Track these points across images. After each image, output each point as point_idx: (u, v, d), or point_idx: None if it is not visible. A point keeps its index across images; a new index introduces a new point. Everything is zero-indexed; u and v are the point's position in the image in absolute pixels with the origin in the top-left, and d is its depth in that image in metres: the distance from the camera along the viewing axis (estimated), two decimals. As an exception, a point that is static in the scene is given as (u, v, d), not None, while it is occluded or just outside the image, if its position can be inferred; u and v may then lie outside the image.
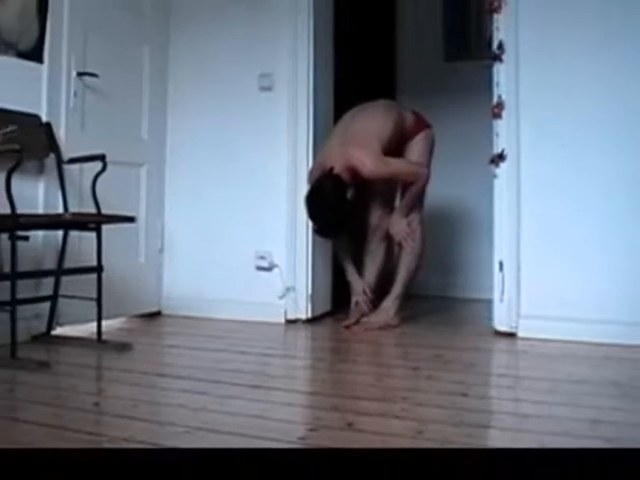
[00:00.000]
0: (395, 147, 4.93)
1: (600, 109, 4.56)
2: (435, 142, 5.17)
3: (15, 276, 3.76)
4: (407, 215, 5.02)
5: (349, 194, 4.75)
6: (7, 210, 3.73)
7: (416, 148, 5.07)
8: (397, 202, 5.18)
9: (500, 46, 4.75)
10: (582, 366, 3.95)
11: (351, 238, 5.25)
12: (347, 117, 5.09)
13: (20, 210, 3.81)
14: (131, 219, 4.50)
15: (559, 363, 4.02)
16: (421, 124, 5.13)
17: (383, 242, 5.25)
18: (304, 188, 5.06)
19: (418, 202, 5.08)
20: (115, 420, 2.92)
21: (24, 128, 4.28)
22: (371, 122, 4.91)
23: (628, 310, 4.40)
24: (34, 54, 4.51)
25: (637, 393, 3.37)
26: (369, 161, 4.73)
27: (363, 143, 4.77)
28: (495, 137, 4.78)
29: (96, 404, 3.21)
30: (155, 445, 2.58)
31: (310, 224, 5.08)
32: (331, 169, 4.77)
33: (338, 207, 4.74)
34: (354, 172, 4.78)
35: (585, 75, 4.59)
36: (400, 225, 5.01)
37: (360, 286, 5.24)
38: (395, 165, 4.89)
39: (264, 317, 5.27)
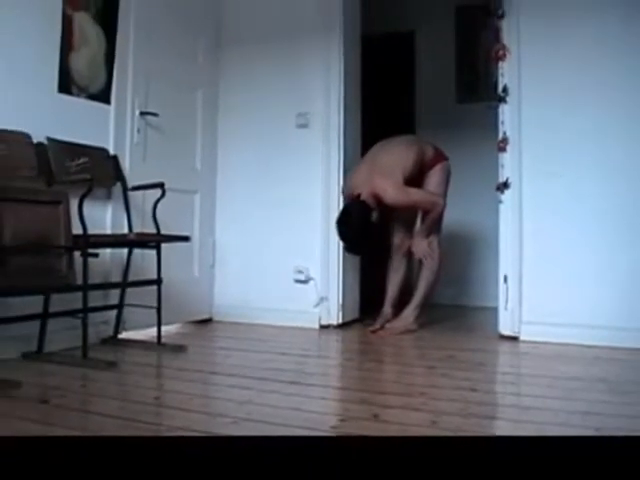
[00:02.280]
0: (416, 177, 4.94)
1: (592, 144, 4.56)
2: (451, 173, 5.17)
3: (86, 288, 3.80)
4: (427, 237, 5.02)
5: (374, 216, 4.78)
6: (80, 231, 3.78)
7: (434, 179, 5.05)
8: (417, 225, 5.18)
9: (505, 89, 4.76)
10: (575, 365, 3.94)
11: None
12: (375, 149, 5.11)
13: (91, 230, 3.86)
14: (186, 238, 4.53)
15: (556, 363, 4.01)
16: (439, 157, 5.11)
17: (404, 259, 5.26)
18: (336, 212, 5.06)
19: (436, 226, 5.07)
20: (172, 412, 2.94)
21: (94, 160, 4.32)
22: (396, 155, 4.92)
23: (616, 317, 4.40)
24: (103, 96, 4.56)
25: (622, 389, 3.35)
26: (391, 190, 4.77)
27: (387, 173, 4.80)
28: (500, 168, 4.80)
29: (156, 398, 3.23)
30: (207, 433, 2.59)
31: (341, 243, 5.09)
32: (358, 195, 4.81)
33: (363, 229, 4.77)
34: (378, 198, 4.81)
35: (579, 114, 4.59)
36: (421, 245, 5.02)
37: (386, 312, 5.26)
38: (414, 195, 4.89)
39: (301, 323, 5.28)
